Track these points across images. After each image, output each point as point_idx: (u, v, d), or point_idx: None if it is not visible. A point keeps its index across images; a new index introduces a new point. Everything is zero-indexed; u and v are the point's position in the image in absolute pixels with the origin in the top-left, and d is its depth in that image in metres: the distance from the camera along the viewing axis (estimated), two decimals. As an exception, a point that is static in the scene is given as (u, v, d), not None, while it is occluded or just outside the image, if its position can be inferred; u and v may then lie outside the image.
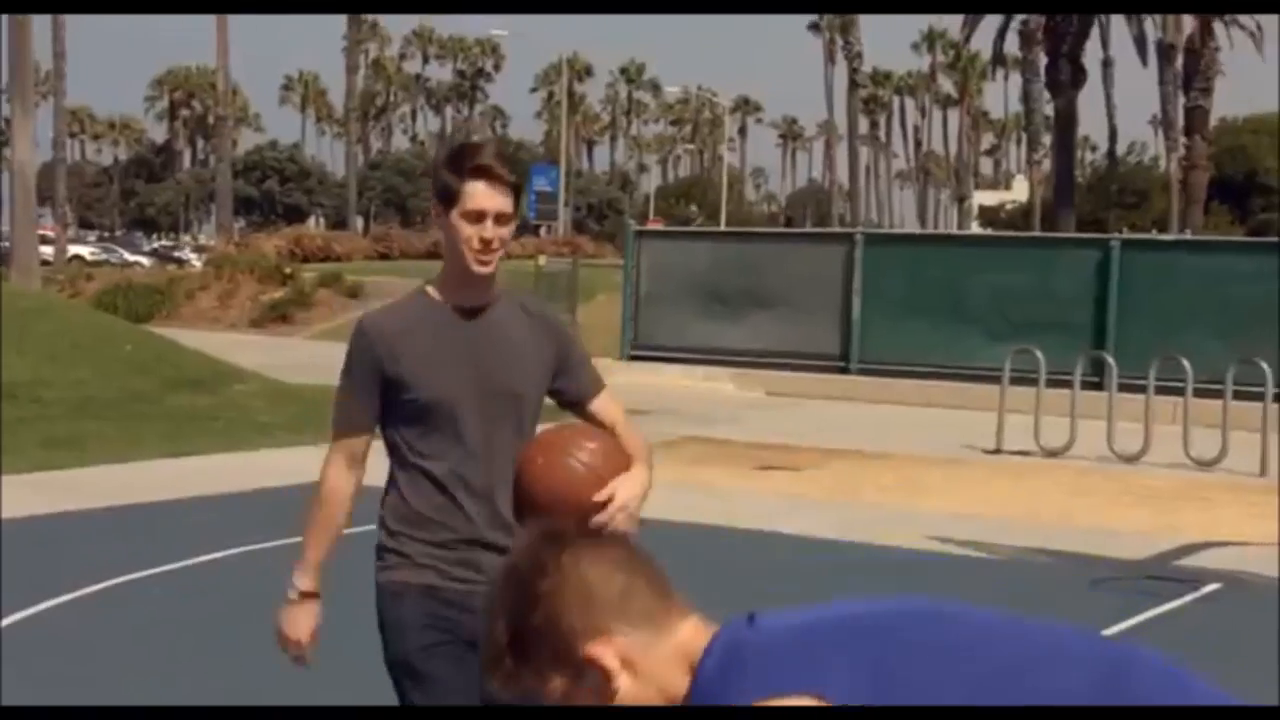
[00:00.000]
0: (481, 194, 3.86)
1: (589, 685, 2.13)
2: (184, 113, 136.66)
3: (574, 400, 4.05)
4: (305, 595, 4.07)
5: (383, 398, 3.92)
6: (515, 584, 2.16)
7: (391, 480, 3.99)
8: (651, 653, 2.13)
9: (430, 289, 4.01)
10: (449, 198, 3.88)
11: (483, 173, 3.87)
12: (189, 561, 9.56)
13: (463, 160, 3.92)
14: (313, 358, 25.08)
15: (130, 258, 63.20)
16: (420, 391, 3.87)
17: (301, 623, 4.10)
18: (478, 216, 3.85)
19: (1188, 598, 9.44)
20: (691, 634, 2.15)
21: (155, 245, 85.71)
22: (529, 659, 2.14)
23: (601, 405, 4.03)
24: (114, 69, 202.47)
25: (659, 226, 35.67)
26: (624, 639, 2.12)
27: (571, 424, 3.88)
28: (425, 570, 3.90)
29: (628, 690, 2.12)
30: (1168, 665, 2.12)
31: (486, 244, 3.87)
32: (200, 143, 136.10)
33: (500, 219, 3.88)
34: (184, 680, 7.10)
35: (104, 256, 62.87)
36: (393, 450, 3.97)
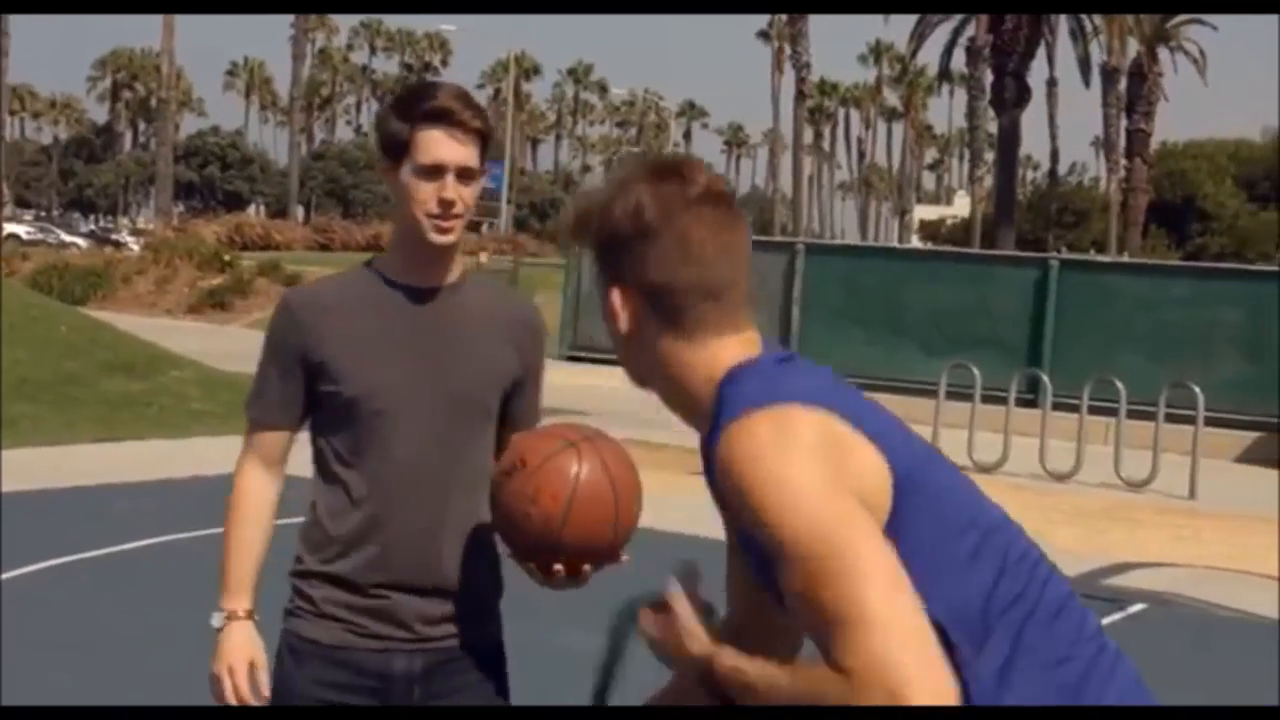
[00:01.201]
0: (439, 143, 3.07)
1: (616, 303, 2.13)
2: (126, 94, 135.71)
3: (503, 422, 3.26)
4: (232, 615, 3.27)
5: (307, 389, 3.20)
6: (633, 191, 2.09)
7: (312, 497, 3.28)
8: (683, 352, 2.10)
9: (376, 264, 3.27)
10: (398, 149, 3.10)
11: (440, 116, 3.07)
12: (120, 547, 9.49)
13: (415, 103, 3.11)
14: (249, 346, 24.81)
15: (67, 238, 62.63)
16: (345, 384, 3.12)
17: (231, 646, 3.25)
18: (434, 171, 3.07)
19: (1114, 617, 9.52)
20: (729, 352, 2.10)
21: (92, 227, 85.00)
22: (600, 252, 2.14)
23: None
24: (57, 48, 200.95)
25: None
26: (653, 325, 2.10)
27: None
28: (330, 625, 3.17)
29: (645, 361, 2.13)
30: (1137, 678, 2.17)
31: (447, 206, 3.08)
32: (142, 125, 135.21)
33: (463, 174, 3.09)
34: (113, 668, 7.04)
35: (40, 236, 62.28)
36: (316, 458, 3.25)
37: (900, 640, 1.88)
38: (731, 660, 2.09)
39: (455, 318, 3.20)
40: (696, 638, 2.15)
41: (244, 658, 3.23)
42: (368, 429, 3.13)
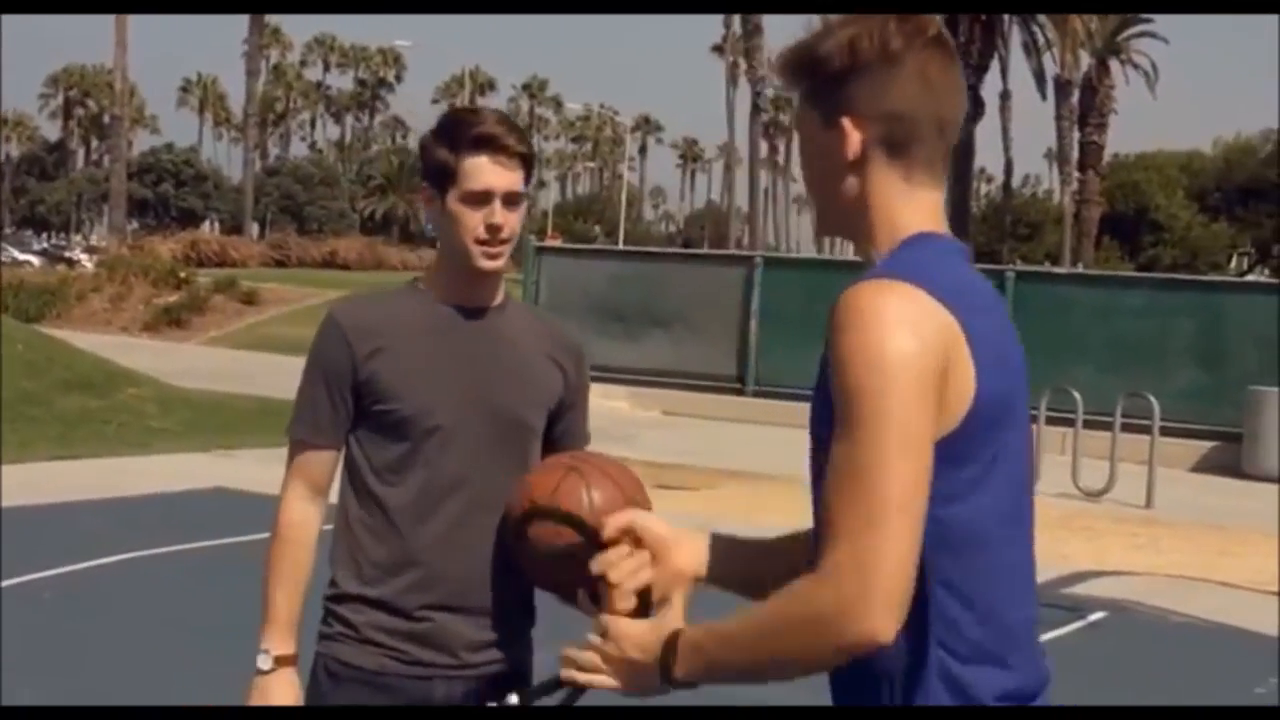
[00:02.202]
0: (486, 170, 3.08)
1: (824, 141, 2.16)
2: (79, 111, 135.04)
3: (545, 444, 3.26)
4: (281, 661, 3.17)
5: (354, 408, 3.15)
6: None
7: (344, 511, 3.20)
8: (894, 193, 2.14)
9: (422, 284, 3.25)
10: (443, 178, 3.11)
11: (486, 143, 3.08)
12: (80, 565, 9.44)
13: (460, 130, 3.13)
14: (206, 363, 24.86)
15: (20, 256, 62.23)
16: (398, 402, 3.10)
17: (282, 697, 3.17)
18: (482, 198, 3.08)
19: (1074, 625, 9.58)
20: (923, 216, 2.14)
21: (45, 245, 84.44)
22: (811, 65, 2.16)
23: None
24: (7, 65, 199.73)
25: (558, 243, 35.68)
26: (878, 157, 2.13)
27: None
28: (372, 650, 3.12)
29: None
30: None
31: (495, 232, 3.10)
32: (95, 142, 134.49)
33: (510, 200, 3.11)
34: (77, 685, 7.01)
35: (-8, 255, 61.85)
36: (351, 472, 3.19)
37: (891, 565, 1.89)
38: (688, 649, 2.12)
39: (502, 339, 3.20)
40: (631, 651, 2.20)
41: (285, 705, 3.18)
42: (416, 447, 3.11)
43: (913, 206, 2.14)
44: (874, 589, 1.88)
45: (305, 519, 3.19)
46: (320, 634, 3.21)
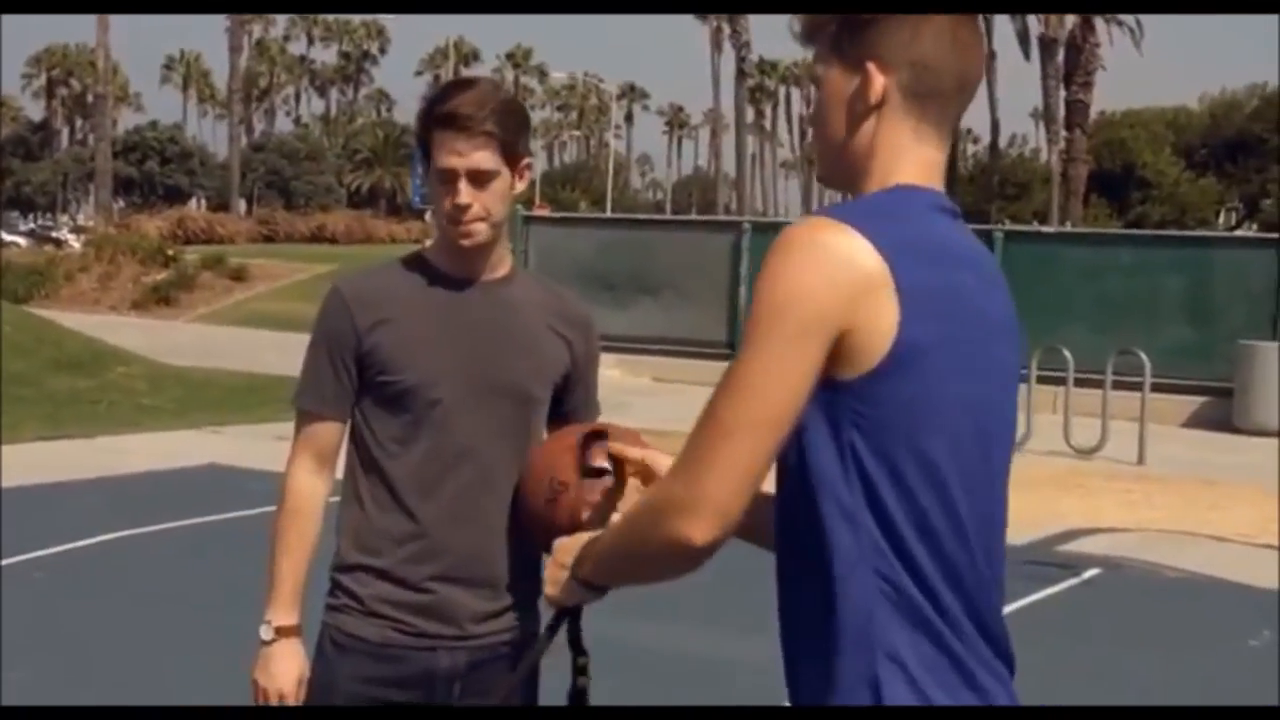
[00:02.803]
0: (448, 148, 3.07)
1: (846, 87, 2.17)
2: (62, 91, 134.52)
3: (557, 417, 3.25)
4: (283, 632, 3.20)
5: (360, 377, 3.17)
6: None
7: (350, 483, 3.22)
8: (902, 145, 2.16)
9: (427, 255, 3.25)
10: (425, 153, 3.14)
11: (449, 122, 3.07)
12: (72, 545, 9.43)
13: (430, 107, 3.14)
14: (196, 340, 24.84)
15: (7, 237, 62.05)
16: (401, 373, 3.11)
17: (283, 668, 3.19)
18: (448, 176, 3.08)
19: (1069, 582, 9.60)
20: (904, 170, 2.16)
21: (32, 225, 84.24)
22: (834, 31, 2.20)
23: None
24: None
25: (546, 212, 35.59)
26: (896, 105, 2.15)
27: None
28: (377, 622, 3.14)
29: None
30: None
31: (460, 211, 3.08)
32: (79, 122, 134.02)
33: (477, 178, 3.07)
34: (72, 666, 7.01)
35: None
36: (357, 444, 3.21)
37: (719, 477, 1.98)
38: (588, 551, 2.28)
39: (505, 310, 3.19)
40: (567, 549, 2.35)
41: (294, 680, 3.19)
42: (420, 418, 3.11)
43: (911, 160, 2.16)
44: (699, 495, 1.98)
45: (311, 490, 3.21)
46: (326, 605, 3.22)
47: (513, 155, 3.12)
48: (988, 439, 2.12)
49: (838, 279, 1.99)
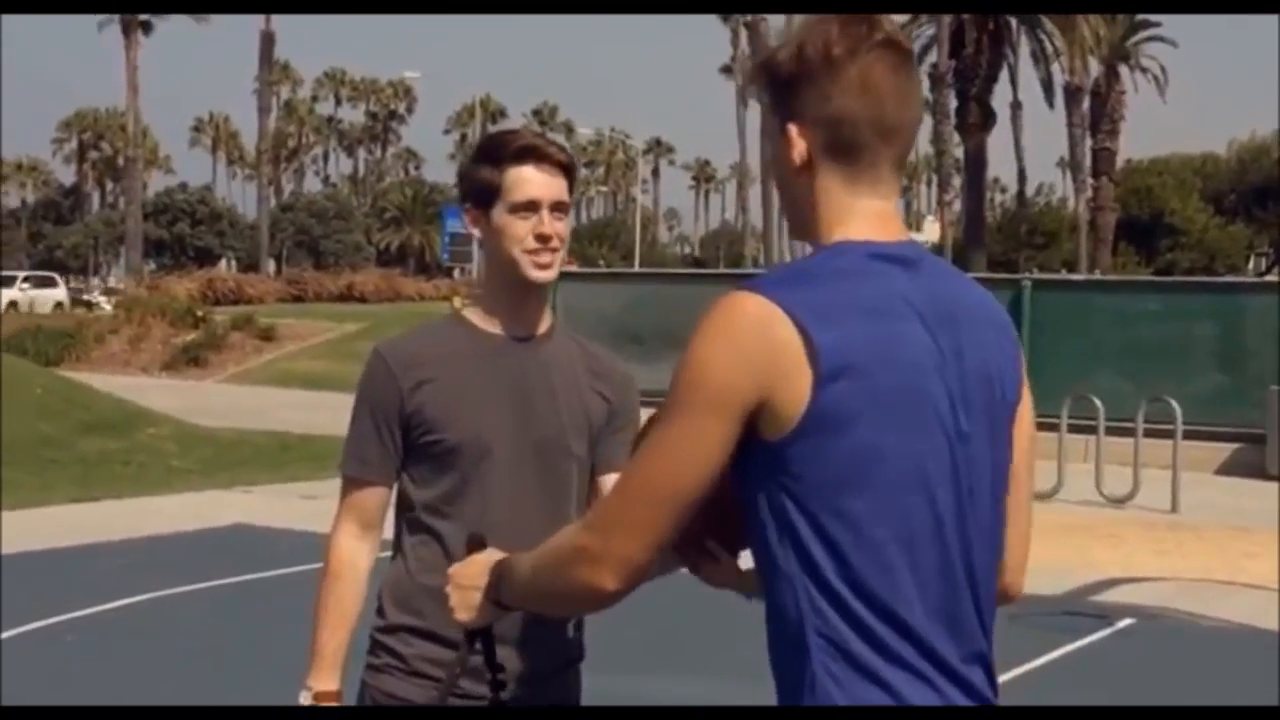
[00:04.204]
0: (531, 179, 3.10)
1: (779, 149, 2.20)
2: (93, 154, 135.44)
3: (595, 470, 3.25)
4: (321, 697, 3.16)
5: (405, 438, 3.15)
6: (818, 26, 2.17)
7: (397, 545, 3.21)
8: (838, 200, 2.17)
9: (467, 313, 3.23)
10: (488, 194, 3.13)
11: (530, 154, 3.12)
12: (103, 607, 9.42)
13: (502, 145, 3.16)
14: (226, 400, 24.90)
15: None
16: (446, 432, 3.08)
17: None
18: (530, 207, 3.09)
19: (1103, 633, 9.53)
20: (847, 224, 2.17)
21: (65, 289, 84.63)
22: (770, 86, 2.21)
23: (610, 483, 3.01)
24: (20, 111, 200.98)
25: (575, 268, 35.67)
26: (823, 163, 2.17)
27: None
28: (422, 683, 3.09)
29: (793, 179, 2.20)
30: None
31: (544, 240, 3.09)
32: (109, 185, 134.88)
33: (556, 208, 3.12)
34: (98, 727, 7.00)
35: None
36: (402, 505, 3.20)
37: (625, 539, 2.08)
38: (507, 573, 2.36)
39: (546, 366, 3.18)
40: (472, 573, 2.45)
41: None
42: (467, 477, 3.10)
43: (848, 214, 2.17)
44: (607, 551, 2.10)
45: (355, 556, 3.19)
46: (367, 664, 3.19)
47: (572, 193, 3.20)
48: (930, 489, 2.09)
49: (749, 352, 2.03)
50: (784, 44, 2.20)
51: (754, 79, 2.25)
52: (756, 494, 2.09)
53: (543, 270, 3.12)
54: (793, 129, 2.17)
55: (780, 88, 2.19)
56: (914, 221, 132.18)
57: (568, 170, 3.15)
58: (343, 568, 3.17)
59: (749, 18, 64.60)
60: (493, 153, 3.15)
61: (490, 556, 2.45)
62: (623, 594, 2.13)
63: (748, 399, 2.03)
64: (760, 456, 2.06)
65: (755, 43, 66.47)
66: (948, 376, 2.12)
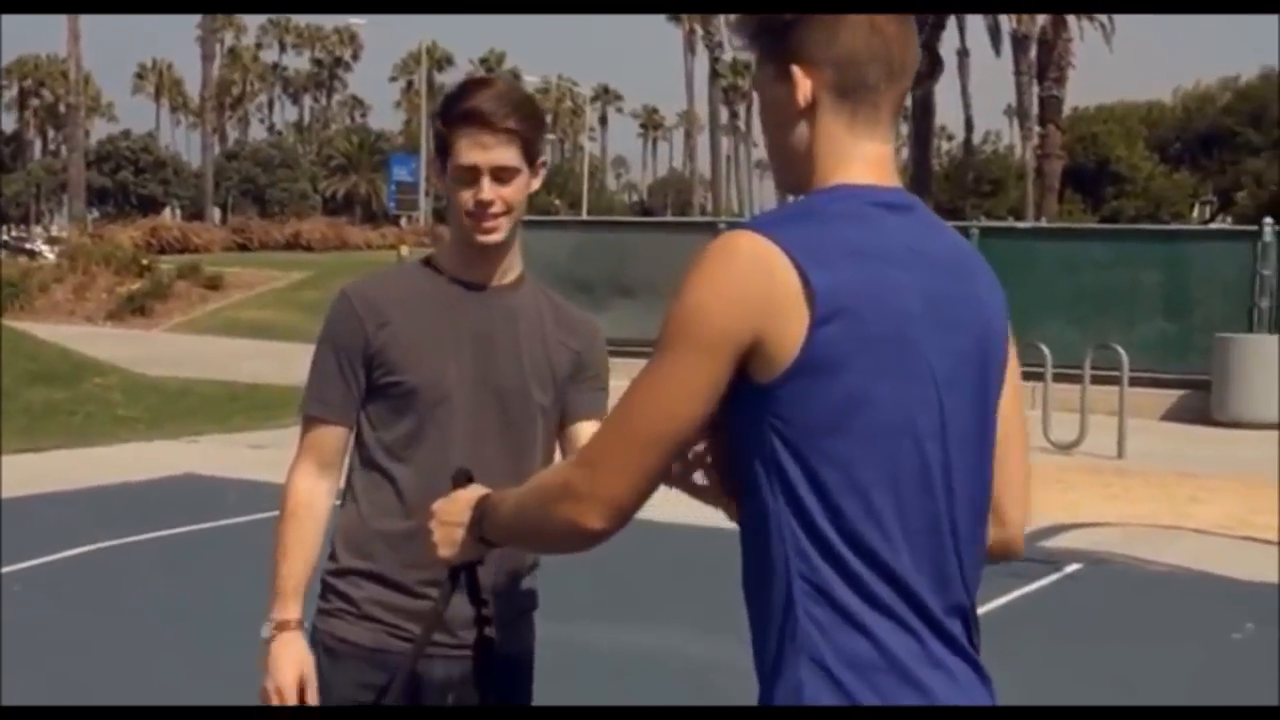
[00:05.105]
0: (471, 145, 3.06)
1: (777, 93, 2.19)
2: (34, 102, 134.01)
3: (563, 423, 3.25)
4: (281, 626, 3.12)
5: (367, 379, 3.14)
6: None
7: (349, 486, 3.21)
8: (839, 142, 2.16)
9: (434, 260, 3.23)
10: (442, 152, 3.11)
11: (472, 118, 3.05)
12: (50, 558, 9.36)
13: (450, 104, 3.12)
14: (172, 350, 24.73)
15: (-20, 250, 61.83)
16: (407, 375, 3.09)
17: (281, 663, 3.09)
18: (469, 173, 3.07)
19: (1051, 578, 9.59)
20: (846, 168, 2.16)
21: (6, 237, 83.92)
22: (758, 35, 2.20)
23: (582, 431, 3.19)
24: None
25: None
26: (827, 103, 2.15)
27: None
28: (372, 627, 3.11)
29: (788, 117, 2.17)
30: None
31: (482, 207, 3.07)
32: (51, 132, 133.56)
33: (500, 175, 3.07)
34: (47, 678, 6.96)
35: (-48, 249, 61.40)
36: (359, 446, 3.19)
37: (614, 478, 2.08)
38: (491, 509, 2.36)
39: (510, 316, 3.18)
40: (454, 510, 2.43)
41: (294, 675, 3.09)
42: (425, 421, 3.10)
43: (853, 158, 2.16)
44: (596, 491, 2.09)
45: (313, 495, 3.17)
46: (319, 609, 3.19)
47: (532, 154, 3.12)
48: (918, 438, 2.09)
49: (744, 291, 2.03)
50: None
51: (745, 26, 2.22)
52: (746, 435, 2.08)
53: (486, 235, 3.10)
54: (797, 70, 2.15)
55: (780, 30, 2.16)
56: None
57: (522, 135, 3.07)
58: (299, 507, 3.16)
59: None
60: (446, 109, 3.11)
61: (474, 492, 2.44)
62: (608, 533, 2.12)
63: (741, 340, 2.02)
64: (750, 398, 2.05)
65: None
66: (939, 326, 2.11)
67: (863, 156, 2.16)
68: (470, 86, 3.15)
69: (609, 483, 2.09)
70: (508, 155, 3.06)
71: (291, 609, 3.13)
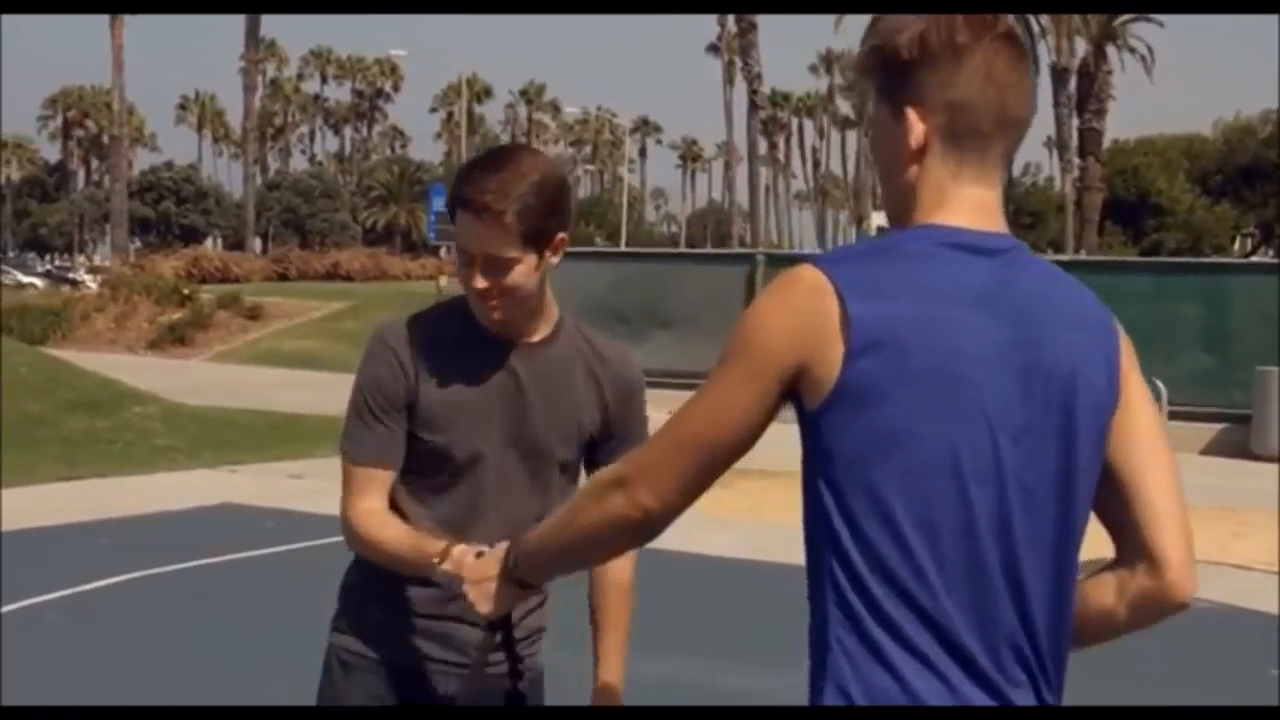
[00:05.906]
0: (464, 231, 2.98)
1: (892, 132, 2.22)
2: (78, 132, 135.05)
3: (592, 464, 3.20)
4: (443, 554, 2.86)
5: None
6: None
7: None
8: (944, 188, 2.19)
9: (470, 303, 3.11)
10: (454, 217, 3.04)
11: (464, 204, 2.97)
12: (88, 586, 9.40)
13: (455, 182, 3.02)
14: (212, 379, 24.84)
15: (24, 279, 62.28)
16: (440, 435, 3.06)
17: (476, 570, 2.66)
18: (466, 255, 2.99)
19: (1089, 613, 9.52)
20: (943, 210, 2.18)
21: (49, 266, 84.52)
22: (873, 73, 2.24)
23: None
24: (5, 88, 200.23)
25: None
26: (936, 148, 2.18)
27: None
28: (384, 644, 3.13)
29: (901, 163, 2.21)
30: None
31: (480, 295, 3.00)
32: (95, 163, 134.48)
33: (494, 263, 2.97)
34: (78, 709, 6.97)
35: (-5, 278, 61.86)
36: (390, 489, 3.16)
37: (675, 479, 2.16)
38: (525, 552, 2.44)
39: (541, 376, 3.11)
40: (484, 567, 2.55)
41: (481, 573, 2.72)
42: (452, 477, 3.08)
43: (948, 201, 2.18)
44: (644, 475, 2.17)
45: (371, 505, 3.06)
46: (332, 626, 3.23)
47: (538, 240, 3.00)
48: (961, 478, 2.06)
49: (793, 319, 2.10)
50: (896, 31, 2.19)
51: (864, 63, 2.25)
52: (803, 460, 2.14)
53: (486, 316, 3.04)
54: (911, 112, 2.18)
55: (898, 72, 2.19)
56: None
57: (521, 229, 2.93)
58: (361, 515, 3.05)
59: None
60: (453, 185, 3.02)
61: (496, 550, 2.55)
62: (657, 518, 2.18)
63: (785, 364, 2.10)
64: (803, 424, 2.13)
65: (746, 30, 66.51)
66: (1003, 369, 2.10)
67: (961, 199, 2.19)
68: (474, 170, 3.01)
69: (655, 471, 2.17)
70: (502, 246, 2.95)
71: (435, 545, 2.92)
